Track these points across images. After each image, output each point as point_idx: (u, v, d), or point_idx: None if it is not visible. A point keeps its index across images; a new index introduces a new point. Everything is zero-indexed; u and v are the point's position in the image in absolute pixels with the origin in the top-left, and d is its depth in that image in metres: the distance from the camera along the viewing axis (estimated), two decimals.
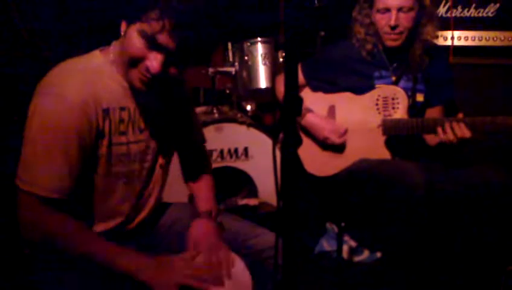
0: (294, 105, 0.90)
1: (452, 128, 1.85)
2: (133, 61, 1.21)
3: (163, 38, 1.16)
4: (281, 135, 0.97)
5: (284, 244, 0.96)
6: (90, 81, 1.24)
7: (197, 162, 1.64)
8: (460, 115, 1.87)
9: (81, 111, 1.21)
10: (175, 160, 1.61)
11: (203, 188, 1.59)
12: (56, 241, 1.24)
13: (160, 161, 1.46)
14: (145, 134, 1.37)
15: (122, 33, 1.23)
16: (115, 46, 1.30)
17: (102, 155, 1.28)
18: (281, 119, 0.91)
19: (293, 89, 0.91)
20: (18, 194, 1.22)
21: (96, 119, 1.24)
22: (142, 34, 1.17)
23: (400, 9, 1.93)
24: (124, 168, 1.34)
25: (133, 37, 1.18)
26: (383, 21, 1.97)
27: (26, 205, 1.22)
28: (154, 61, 1.18)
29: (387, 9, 1.94)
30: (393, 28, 1.94)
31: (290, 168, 0.92)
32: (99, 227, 1.37)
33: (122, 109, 1.30)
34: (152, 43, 1.17)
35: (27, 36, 2.12)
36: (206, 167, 1.65)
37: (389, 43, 2.00)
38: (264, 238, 1.45)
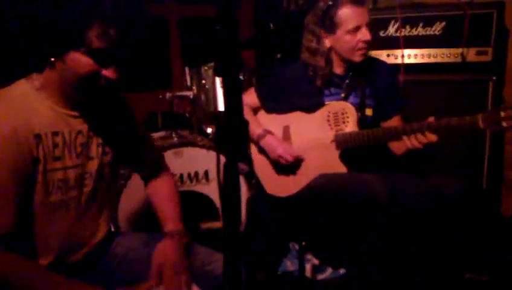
0: (238, 128, 0.90)
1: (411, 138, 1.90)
2: (84, 81, 1.20)
3: (114, 47, 1.17)
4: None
5: (227, 266, 0.95)
6: (18, 108, 1.22)
7: (157, 180, 1.61)
8: (431, 119, 1.90)
9: (11, 141, 1.18)
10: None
11: (168, 206, 1.55)
12: (8, 281, 1.20)
13: (103, 185, 1.43)
14: (83, 158, 1.35)
15: (54, 62, 1.21)
16: (39, 75, 1.28)
17: (38, 182, 1.25)
18: (223, 142, 0.91)
19: (234, 111, 0.91)
20: None
21: (28, 146, 1.22)
22: (92, 54, 1.17)
23: (367, 25, 2.00)
24: (63, 195, 1.31)
25: (81, 60, 1.18)
26: (354, 39, 2.00)
27: None
28: (110, 70, 1.20)
29: (359, 28, 1.99)
30: (367, 42, 2.00)
31: (232, 189, 0.91)
32: (44, 260, 1.33)
33: (55, 133, 1.28)
34: (104, 57, 1.18)
35: None
36: (169, 184, 1.62)
37: (358, 58, 2.04)
38: (220, 263, 1.44)
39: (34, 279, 1.23)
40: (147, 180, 1.63)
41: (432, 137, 1.86)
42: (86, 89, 1.24)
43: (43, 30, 1.17)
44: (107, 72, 1.21)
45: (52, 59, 1.21)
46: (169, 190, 1.60)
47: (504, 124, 1.78)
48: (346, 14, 1.99)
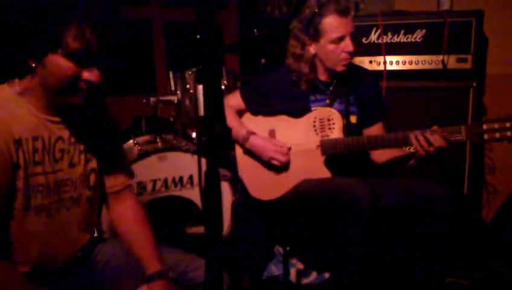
0: (218, 135, 0.91)
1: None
2: (65, 85, 1.20)
3: (92, 49, 1.17)
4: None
5: (208, 271, 0.95)
6: None
7: (124, 204, 1.55)
8: (435, 127, 1.91)
9: None
10: None
11: (146, 244, 1.46)
12: None
13: (86, 192, 1.42)
14: (62, 164, 1.34)
15: (35, 67, 1.20)
16: (21, 81, 1.27)
17: (19, 188, 1.24)
18: (204, 149, 0.91)
19: (215, 117, 0.91)
20: None
21: (9, 151, 1.21)
22: (71, 56, 1.17)
23: (351, 36, 2.01)
24: (43, 199, 1.30)
25: (61, 63, 1.18)
26: (338, 49, 2.01)
27: None
28: (91, 73, 1.20)
29: (342, 38, 2.00)
30: (350, 53, 2.01)
31: (213, 195, 0.91)
32: (24, 266, 1.31)
33: (35, 138, 1.27)
34: (83, 59, 1.18)
35: None
36: (140, 211, 1.55)
37: (340, 68, 2.06)
38: (204, 270, 1.43)
39: (9, 286, 1.22)
40: (115, 193, 1.54)
41: (442, 142, 1.85)
42: (66, 94, 1.23)
43: (20, 34, 1.16)
44: (88, 76, 1.20)
45: (33, 64, 1.20)
46: (140, 217, 1.53)
47: (486, 136, 1.81)
48: (331, 23, 2.00)
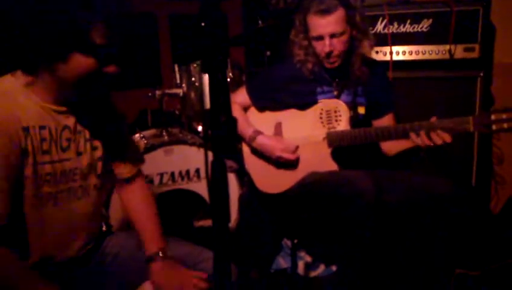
0: (224, 125, 0.90)
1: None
2: (84, 80, 1.22)
3: (113, 45, 1.20)
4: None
5: (217, 263, 0.95)
6: (6, 101, 1.23)
7: (137, 191, 1.59)
8: (434, 119, 1.90)
9: (2, 132, 1.19)
10: None
11: (148, 225, 1.53)
12: None
13: (94, 181, 1.43)
14: (69, 153, 1.35)
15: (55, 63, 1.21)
16: (24, 73, 1.27)
17: (28, 176, 1.25)
18: (210, 139, 0.91)
19: (221, 108, 0.91)
20: None
21: (18, 137, 1.22)
22: (94, 53, 1.19)
23: (332, 36, 1.98)
24: (51, 188, 1.31)
25: (82, 60, 1.19)
26: (319, 47, 2.03)
27: None
28: (110, 67, 1.23)
29: (321, 37, 2.00)
30: (328, 54, 2.00)
31: (220, 186, 0.91)
32: (34, 256, 1.32)
33: (42, 127, 1.28)
34: (105, 55, 1.20)
35: None
36: (148, 195, 1.61)
37: (328, 66, 2.06)
38: (212, 262, 1.44)
39: (18, 279, 1.24)
40: (124, 180, 1.59)
41: (446, 137, 1.84)
42: (83, 87, 1.25)
43: (46, 34, 1.16)
44: (108, 69, 1.23)
45: (54, 62, 1.21)
46: (146, 199, 1.59)
47: (494, 127, 1.80)
48: (311, 21, 2.02)
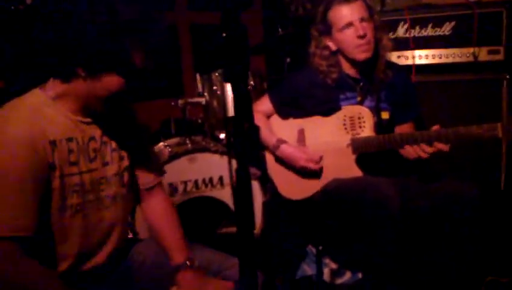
0: (247, 133, 0.92)
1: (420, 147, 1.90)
2: (112, 96, 1.26)
3: (147, 68, 1.25)
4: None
5: (243, 270, 0.96)
6: (33, 116, 1.26)
7: (159, 201, 1.61)
8: (436, 127, 1.89)
9: (29, 147, 1.22)
10: None
11: (172, 235, 1.54)
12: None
13: (121, 190, 1.45)
14: (96, 163, 1.38)
15: (83, 75, 1.24)
16: (56, 85, 1.30)
17: (56, 188, 1.28)
18: (233, 147, 0.92)
19: (244, 116, 0.92)
20: None
21: (45, 152, 1.25)
22: (127, 75, 1.24)
23: (361, 20, 2.00)
24: (79, 198, 1.34)
25: (115, 79, 1.23)
26: (350, 36, 2.02)
27: None
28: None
29: (351, 24, 2.01)
30: (362, 37, 1.99)
31: (244, 193, 0.92)
32: (61, 266, 1.35)
33: (69, 139, 1.31)
34: (137, 76, 1.25)
35: None
36: (169, 204, 1.63)
37: (361, 56, 2.03)
38: (237, 269, 1.44)
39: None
40: (146, 190, 1.60)
41: (442, 146, 1.85)
42: (110, 101, 1.29)
43: (95, 50, 1.19)
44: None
45: (87, 78, 1.24)
46: (168, 209, 1.60)
47: None
48: (335, 13, 2.04)
